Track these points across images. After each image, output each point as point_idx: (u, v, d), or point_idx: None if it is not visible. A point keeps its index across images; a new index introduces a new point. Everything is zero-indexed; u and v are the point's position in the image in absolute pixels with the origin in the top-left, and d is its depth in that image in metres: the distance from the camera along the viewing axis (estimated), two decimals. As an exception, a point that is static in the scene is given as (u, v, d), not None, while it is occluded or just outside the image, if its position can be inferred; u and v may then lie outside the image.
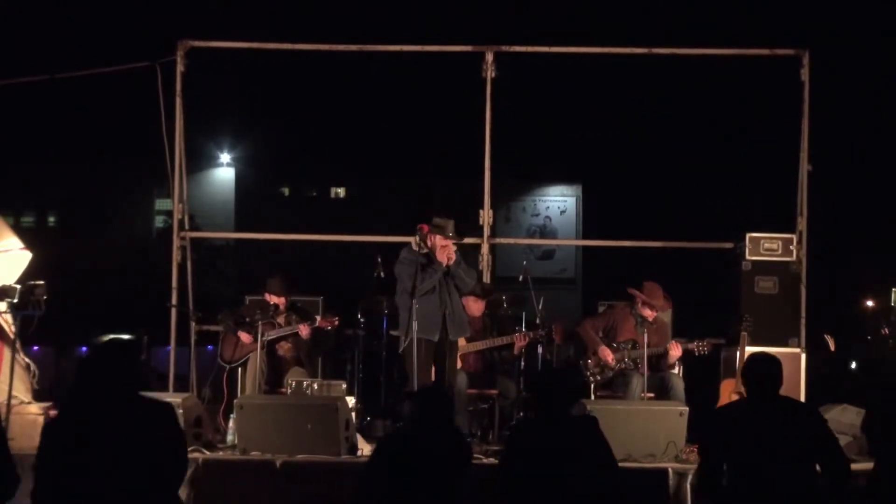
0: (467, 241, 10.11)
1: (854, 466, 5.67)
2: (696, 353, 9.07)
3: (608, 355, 8.96)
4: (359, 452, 7.87)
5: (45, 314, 8.02)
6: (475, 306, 9.28)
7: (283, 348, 9.47)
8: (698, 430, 5.63)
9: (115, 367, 4.89)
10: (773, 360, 5.60)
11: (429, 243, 8.40)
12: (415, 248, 8.45)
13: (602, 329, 9.16)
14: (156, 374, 11.26)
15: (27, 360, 8.55)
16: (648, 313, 8.96)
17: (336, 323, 9.40)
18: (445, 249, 8.35)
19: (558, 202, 30.11)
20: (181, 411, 8.02)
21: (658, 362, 9.02)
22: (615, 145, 25.38)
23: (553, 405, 5.59)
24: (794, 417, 5.44)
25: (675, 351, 8.96)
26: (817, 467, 5.41)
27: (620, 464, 5.81)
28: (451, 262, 8.35)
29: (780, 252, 9.72)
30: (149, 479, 4.72)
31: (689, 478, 7.16)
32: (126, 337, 8.91)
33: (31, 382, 8.60)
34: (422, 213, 8.60)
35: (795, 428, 5.38)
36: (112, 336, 9.44)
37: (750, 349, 9.13)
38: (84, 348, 27.66)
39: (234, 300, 10.73)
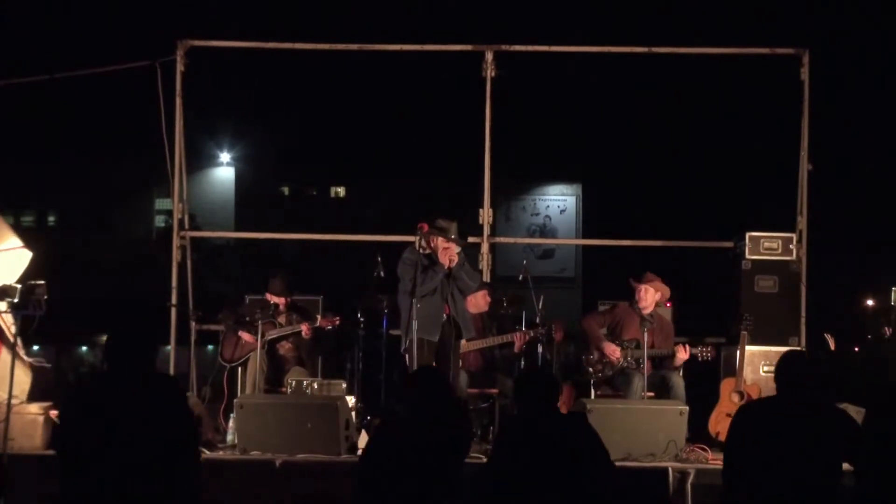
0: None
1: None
2: (700, 359, 9.07)
3: (614, 352, 8.94)
4: (359, 452, 7.87)
5: (45, 314, 8.01)
6: (483, 301, 9.28)
7: (284, 348, 9.47)
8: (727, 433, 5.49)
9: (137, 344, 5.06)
10: (806, 359, 5.54)
11: (431, 244, 8.39)
12: (418, 248, 8.44)
13: (606, 326, 9.16)
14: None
15: (29, 359, 8.53)
16: (649, 301, 8.96)
17: (337, 322, 9.39)
18: (447, 252, 8.33)
19: (558, 201, 30.12)
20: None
21: (663, 363, 9.02)
22: (615, 145, 25.39)
23: (530, 404, 5.59)
24: (824, 418, 5.35)
25: (683, 354, 8.96)
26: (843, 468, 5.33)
27: (620, 463, 5.80)
28: (453, 265, 8.33)
29: (780, 251, 9.72)
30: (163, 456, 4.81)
31: (690, 477, 7.16)
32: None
33: (30, 383, 8.58)
34: (422, 213, 8.58)
35: (824, 429, 5.28)
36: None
37: (750, 348, 9.15)
38: (83, 347, 27.76)
39: (235, 299, 10.72)
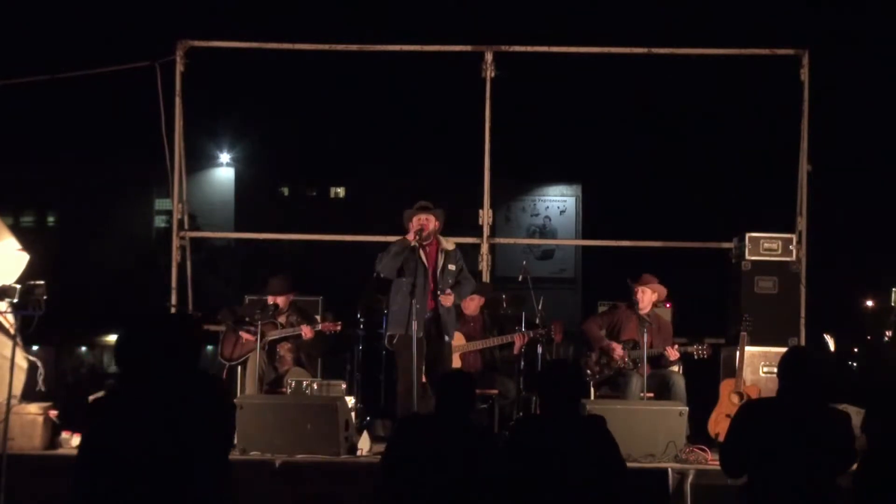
0: (467, 240, 10.12)
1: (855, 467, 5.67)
2: (696, 357, 9.06)
3: (617, 349, 8.94)
4: (358, 452, 7.87)
5: (45, 314, 8.01)
6: (472, 304, 9.28)
7: (284, 348, 9.45)
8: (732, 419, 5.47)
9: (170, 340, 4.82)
10: (820, 360, 5.51)
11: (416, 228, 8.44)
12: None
13: (605, 327, 9.16)
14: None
15: (32, 358, 8.53)
16: (646, 302, 8.97)
17: (339, 328, 9.38)
18: (413, 227, 8.39)
19: (558, 202, 30.13)
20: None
21: (658, 362, 9.02)
22: (615, 145, 25.42)
23: (557, 401, 5.39)
24: (826, 421, 5.33)
25: (672, 353, 8.97)
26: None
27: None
28: (417, 238, 8.35)
29: (779, 252, 9.71)
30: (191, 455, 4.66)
31: (690, 477, 7.15)
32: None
33: (33, 382, 8.57)
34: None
35: (824, 432, 5.27)
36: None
37: (750, 349, 9.14)
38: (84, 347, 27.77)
39: (235, 300, 10.71)
